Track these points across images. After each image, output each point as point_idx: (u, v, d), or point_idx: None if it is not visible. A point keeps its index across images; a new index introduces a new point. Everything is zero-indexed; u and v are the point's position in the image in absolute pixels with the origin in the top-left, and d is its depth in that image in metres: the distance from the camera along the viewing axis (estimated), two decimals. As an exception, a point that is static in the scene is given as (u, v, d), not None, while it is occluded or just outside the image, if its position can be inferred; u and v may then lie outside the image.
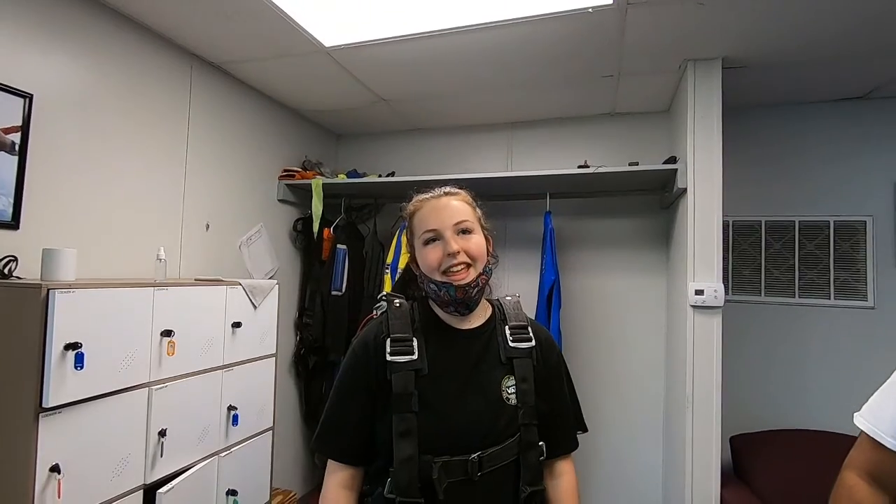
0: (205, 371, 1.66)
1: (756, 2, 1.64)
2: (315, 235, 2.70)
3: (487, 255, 0.96)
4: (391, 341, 0.92)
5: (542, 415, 0.95)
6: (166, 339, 1.50)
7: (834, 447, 2.05)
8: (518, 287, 2.47)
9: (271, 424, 2.00)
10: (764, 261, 2.48)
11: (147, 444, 1.45)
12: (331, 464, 0.94)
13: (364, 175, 2.86)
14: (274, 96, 2.59)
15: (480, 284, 0.94)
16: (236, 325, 1.79)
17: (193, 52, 2.08)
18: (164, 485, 1.48)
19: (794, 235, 2.44)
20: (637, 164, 2.26)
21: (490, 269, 0.97)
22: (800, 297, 2.42)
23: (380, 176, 2.77)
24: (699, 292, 1.97)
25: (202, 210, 2.17)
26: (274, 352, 2.01)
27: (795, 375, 2.37)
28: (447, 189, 0.99)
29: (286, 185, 2.70)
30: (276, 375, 2.02)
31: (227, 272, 2.29)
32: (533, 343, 0.98)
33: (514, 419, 0.91)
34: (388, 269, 2.59)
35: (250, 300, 1.88)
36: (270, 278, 2.59)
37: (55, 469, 1.19)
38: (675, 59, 2.05)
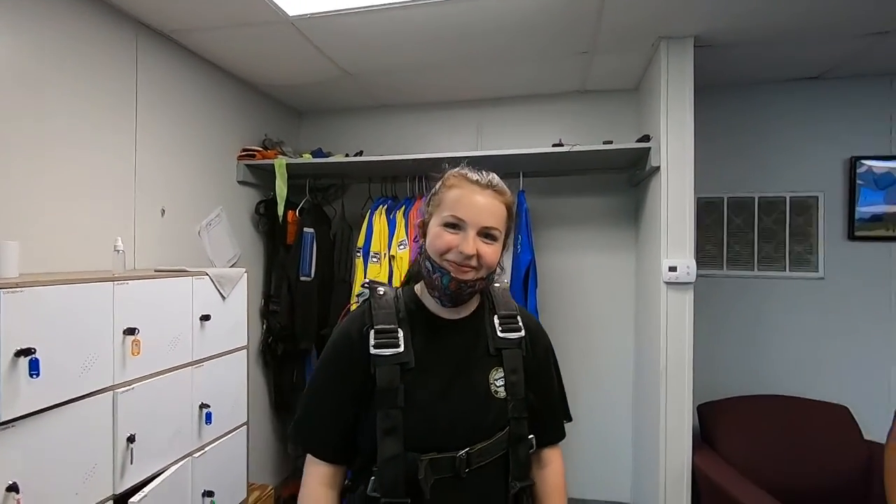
0: (173, 369, 1.55)
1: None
2: (280, 219, 2.56)
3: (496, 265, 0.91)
4: (375, 333, 0.86)
5: (532, 406, 0.92)
6: (130, 338, 1.37)
7: (792, 409, 2.20)
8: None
9: (245, 419, 1.91)
10: (726, 236, 2.58)
11: (115, 451, 1.34)
12: (310, 459, 0.89)
13: (329, 154, 2.73)
14: (230, 69, 2.39)
15: (476, 288, 0.89)
16: (205, 318, 1.67)
17: (139, 20, 1.88)
18: (135, 493, 1.38)
19: (754, 211, 2.55)
20: (611, 142, 2.27)
21: (491, 278, 0.92)
22: (758, 270, 2.54)
23: (347, 155, 2.65)
24: (672, 269, 2.02)
25: (156, 195, 1.99)
26: (245, 343, 1.91)
27: (755, 344, 2.51)
28: (493, 180, 0.90)
29: (246, 165, 2.53)
30: (248, 368, 1.92)
31: (187, 261, 2.13)
32: (522, 333, 0.94)
33: (503, 413, 0.88)
34: (359, 252, 2.50)
35: (218, 291, 1.76)
36: (233, 265, 2.45)
37: (12, 489, 1.07)
38: (649, 36, 2.05)
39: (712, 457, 2.06)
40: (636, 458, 2.59)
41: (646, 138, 2.19)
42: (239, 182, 2.53)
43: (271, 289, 2.67)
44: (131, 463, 1.37)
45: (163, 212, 2.04)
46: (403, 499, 0.80)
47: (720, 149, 2.55)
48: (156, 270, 1.71)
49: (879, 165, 2.42)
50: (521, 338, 0.94)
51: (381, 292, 0.92)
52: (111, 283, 1.33)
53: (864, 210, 2.45)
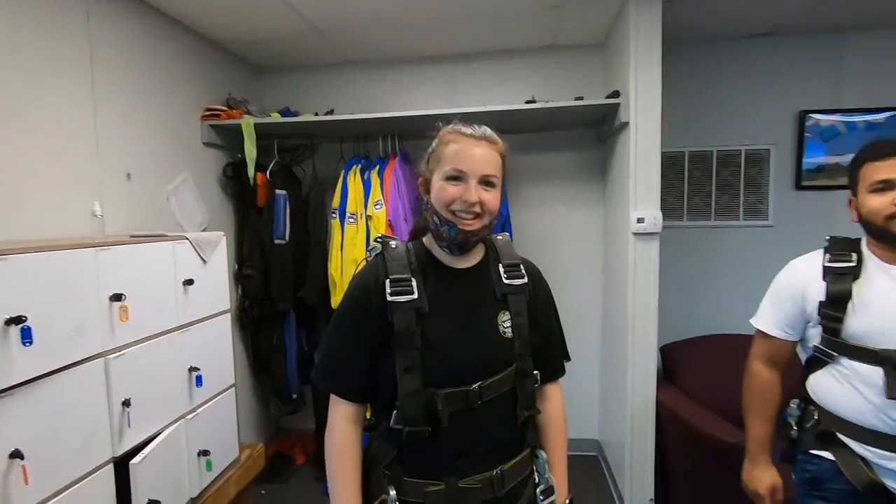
0: (161, 334, 1.54)
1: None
2: (250, 181, 2.49)
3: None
4: (391, 282, 0.93)
5: (535, 346, 1.01)
6: (117, 304, 1.35)
7: (742, 345, 2.41)
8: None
9: (233, 381, 1.93)
10: (686, 188, 2.72)
11: (111, 415, 1.34)
12: (335, 399, 0.97)
13: (297, 114, 2.65)
14: (186, 22, 2.25)
15: (481, 235, 0.96)
16: (188, 282, 1.65)
17: (86, -35, 1.73)
18: (134, 455, 1.40)
19: (712, 164, 2.70)
20: (582, 98, 2.31)
21: (494, 223, 0.99)
22: (715, 220, 2.71)
23: (316, 114, 2.58)
24: (640, 220, 2.13)
25: (121, 159, 1.90)
26: (228, 307, 1.90)
27: (711, 288, 2.71)
28: (487, 132, 0.96)
29: (211, 126, 2.43)
30: (233, 331, 1.92)
31: (156, 226, 2.06)
32: (526, 280, 1.02)
33: (510, 351, 0.96)
34: (335, 213, 2.48)
35: (199, 255, 1.73)
36: (203, 230, 2.39)
37: (17, 455, 1.07)
38: (619, -10, 2.08)
39: (674, 392, 2.26)
40: (603, 398, 2.79)
41: (615, 94, 2.24)
42: (204, 143, 2.43)
43: (244, 252, 2.63)
44: (129, 426, 1.38)
45: (128, 176, 1.95)
46: (425, 427, 0.89)
47: (681, 104, 2.65)
48: (132, 236, 1.66)
49: (825, 119, 2.59)
50: (525, 284, 1.02)
51: (394, 245, 0.99)
52: (94, 248, 1.29)
53: (809, 161, 2.64)
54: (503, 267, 1.02)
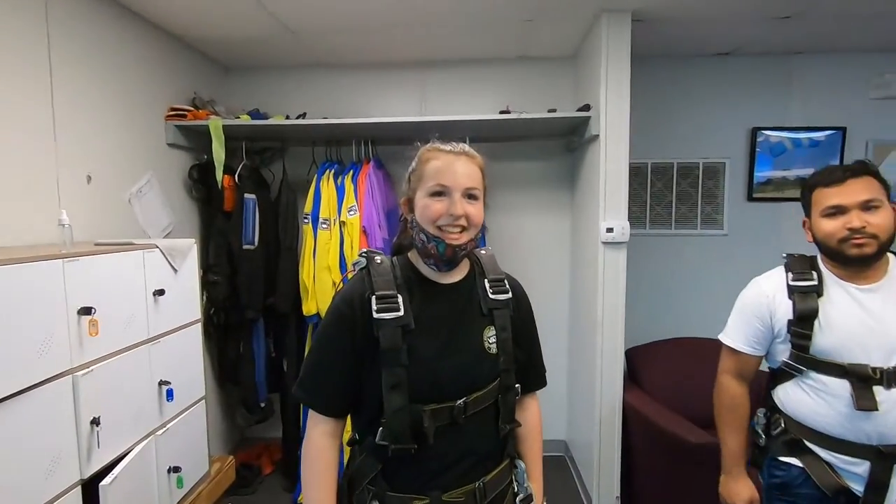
0: (131, 347, 1.47)
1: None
2: (218, 184, 2.41)
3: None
4: (377, 298, 0.93)
5: (519, 360, 1.04)
6: (86, 318, 1.28)
7: (702, 349, 2.55)
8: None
9: (203, 394, 1.86)
10: (649, 198, 2.85)
11: (79, 436, 1.27)
12: (315, 415, 0.97)
13: (266, 116, 2.58)
14: (150, 18, 2.15)
15: (468, 248, 0.97)
16: (158, 292, 1.58)
17: (45, -45, 1.63)
18: (103, 476, 1.33)
19: (673, 176, 2.83)
20: (555, 110, 2.38)
21: (479, 236, 1.00)
22: (675, 229, 2.85)
23: (287, 117, 2.53)
24: (610, 230, 2.22)
25: (80, 160, 1.80)
26: (199, 317, 1.83)
27: (672, 293, 2.85)
28: (465, 148, 0.99)
29: (176, 126, 2.33)
30: (204, 341, 1.86)
31: (118, 232, 1.97)
32: (510, 295, 1.05)
33: (495, 366, 0.98)
34: (307, 218, 2.44)
35: (170, 264, 1.66)
36: (167, 235, 2.30)
37: (-21, 483, 1.00)
38: (591, 7, 2.14)
39: (639, 393, 2.37)
40: (571, 400, 2.88)
41: (586, 107, 2.32)
42: (169, 145, 2.34)
43: (210, 258, 2.54)
44: (98, 447, 1.31)
45: (88, 178, 1.85)
46: (411, 444, 0.90)
47: (644, 117, 2.76)
48: (95, 244, 1.57)
49: (774, 135, 2.78)
50: (510, 299, 1.04)
51: (379, 260, 0.99)
52: (60, 260, 1.22)
53: (760, 175, 2.82)
54: (489, 282, 1.03)
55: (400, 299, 0.94)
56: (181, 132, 2.37)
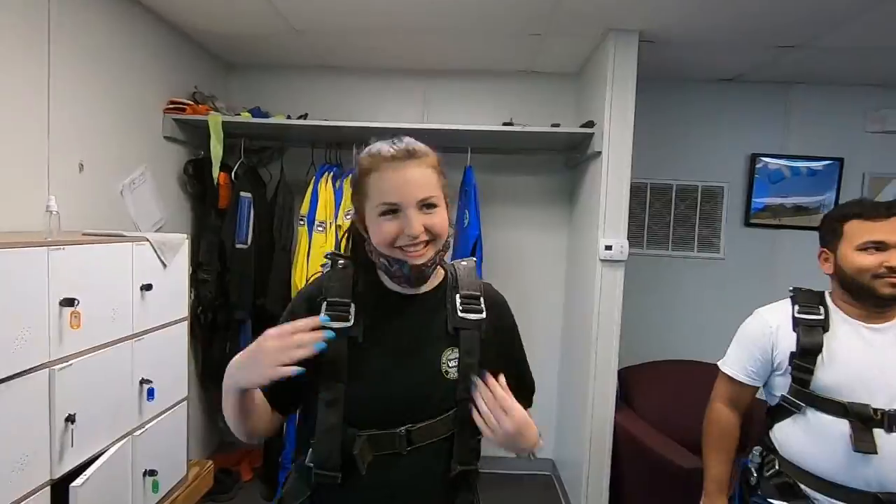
0: (113, 343, 1.41)
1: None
2: (214, 181, 2.37)
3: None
4: (327, 305, 0.85)
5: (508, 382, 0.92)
6: (68, 310, 1.23)
7: (696, 372, 2.53)
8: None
9: (186, 394, 1.80)
10: (647, 218, 2.85)
11: (52, 433, 1.21)
12: None
13: (267, 114, 2.55)
14: (155, 9, 2.12)
15: (437, 261, 0.86)
16: (146, 287, 1.53)
17: (52, -62, 1.60)
18: (75, 476, 1.27)
19: (672, 197, 2.84)
20: (559, 125, 2.37)
21: (448, 243, 0.88)
22: (672, 250, 2.85)
23: (288, 117, 2.50)
24: (608, 248, 2.20)
25: (73, 147, 1.75)
26: (186, 315, 1.78)
27: (666, 315, 2.83)
28: (410, 147, 0.83)
29: (174, 119, 2.29)
30: (189, 340, 1.80)
31: (108, 223, 1.91)
32: (483, 315, 0.91)
33: (450, 393, 0.85)
34: (302, 220, 2.40)
35: (159, 258, 1.61)
36: (159, 229, 2.25)
37: (-59, 479, 0.94)
38: (599, 26, 2.15)
39: (630, 414, 2.33)
40: (560, 419, 2.84)
41: (590, 124, 2.32)
42: (165, 138, 2.29)
43: (200, 255, 2.49)
44: (72, 445, 1.25)
45: (81, 166, 1.80)
46: (335, 472, 0.81)
47: (646, 137, 2.76)
48: (83, 234, 1.52)
49: (773, 162, 2.80)
50: (482, 320, 0.91)
51: (341, 265, 0.91)
52: (45, 248, 1.18)
53: (757, 201, 2.83)
54: (460, 298, 0.91)
55: (353, 309, 0.85)
56: (179, 126, 2.33)
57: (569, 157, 2.74)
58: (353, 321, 0.84)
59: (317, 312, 0.83)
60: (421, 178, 0.81)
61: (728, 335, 1.43)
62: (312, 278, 0.95)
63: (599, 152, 2.25)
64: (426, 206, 0.81)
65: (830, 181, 2.79)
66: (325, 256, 0.95)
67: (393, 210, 0.81)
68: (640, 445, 2.11)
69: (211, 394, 2.67)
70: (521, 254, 2.85)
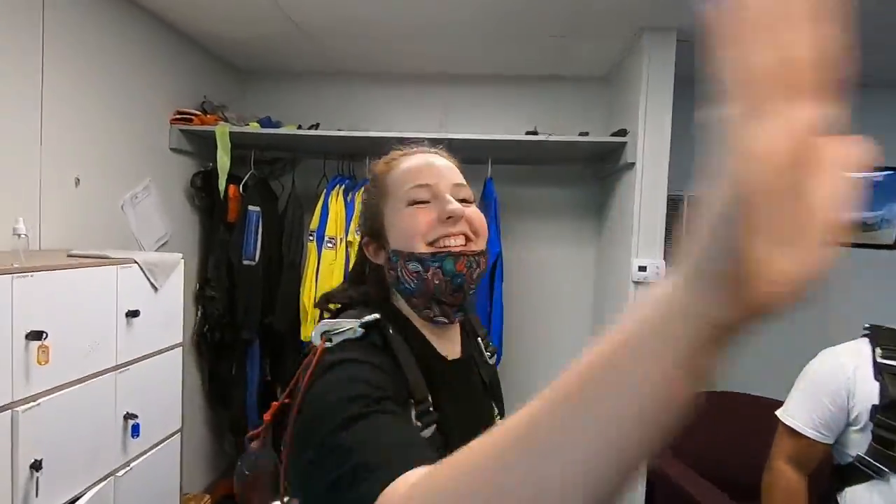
0: (92, 376, 1.29)
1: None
2: (221, 194, 2.26)
3: None
4: (416, 413, 0.60)
5: None
6: (35, 344, 1.11)
7: (738, 406, 2.28)
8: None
9: (179, 426, 1.67)
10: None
11: (14, 482, 1.09)
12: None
13: (279, 125, 2.44)
14: (159, 13, 2.03)
15: (482, 268, 0.68)
16: (132, 314, 1.41)
17: (45, -59, 1.52)
18: (42, 527, 1.14)
19: (712, 211, 2.59)
20: (587, 133, 2.18)
21: (486, 254, 0.72)
22: (712, 269, 2.59)
23: (300, 127, 2.38)
24: (642, 269, 1.99)
25: (68, 160, 1.66)
26: (181, 340, 1.66)
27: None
28: (438, 149, 0.75)
29: (181, 130, 2.20)
30: (183, 367, 1.68)
31: (107, 241, 1.82)
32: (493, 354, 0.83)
33: None
34: (312, 236, 2.27)
35: (149, 281, 1.50)
36: (163, 245, 2.15)
37: None
38: (632, 25, 1.96)
39: (664, 452, 2.10)
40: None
41: (622, 132, 2.12)
42: (172, 149, 2.20)
43: (208, 272, 2.38)
44: (36, 496, 1.12)
45: (77, 181, 1.71)
46: None
47: (684, 145, 2.55)
48: (69, 255, 1.41)
49: (827, 173, 2.53)
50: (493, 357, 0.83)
51: (392, 332, 0.64)
52: (9, 276, 1.06)
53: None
54: (482, 341, 0.80)
55: (431, 404, 0.62)
56: (186, 137, 2.24)
57: (597, 168, 2.54)
58: (436, 425, 0.62)
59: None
60: (451, 166, 0.72)
61: (774, 363, 1.22)
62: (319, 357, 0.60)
63: (633, 163, 2.04)
64: (461, 200, 0.68)
65: (893, 191, 2.50)
66: (340, 315, 0.68)
67: (424, 199, 0.67)
68: (675, 487, 1.88)
69: (219, 414, 2.55)
70: (543, 273, 2.65)
